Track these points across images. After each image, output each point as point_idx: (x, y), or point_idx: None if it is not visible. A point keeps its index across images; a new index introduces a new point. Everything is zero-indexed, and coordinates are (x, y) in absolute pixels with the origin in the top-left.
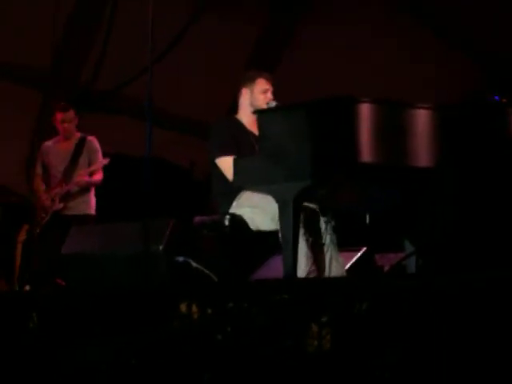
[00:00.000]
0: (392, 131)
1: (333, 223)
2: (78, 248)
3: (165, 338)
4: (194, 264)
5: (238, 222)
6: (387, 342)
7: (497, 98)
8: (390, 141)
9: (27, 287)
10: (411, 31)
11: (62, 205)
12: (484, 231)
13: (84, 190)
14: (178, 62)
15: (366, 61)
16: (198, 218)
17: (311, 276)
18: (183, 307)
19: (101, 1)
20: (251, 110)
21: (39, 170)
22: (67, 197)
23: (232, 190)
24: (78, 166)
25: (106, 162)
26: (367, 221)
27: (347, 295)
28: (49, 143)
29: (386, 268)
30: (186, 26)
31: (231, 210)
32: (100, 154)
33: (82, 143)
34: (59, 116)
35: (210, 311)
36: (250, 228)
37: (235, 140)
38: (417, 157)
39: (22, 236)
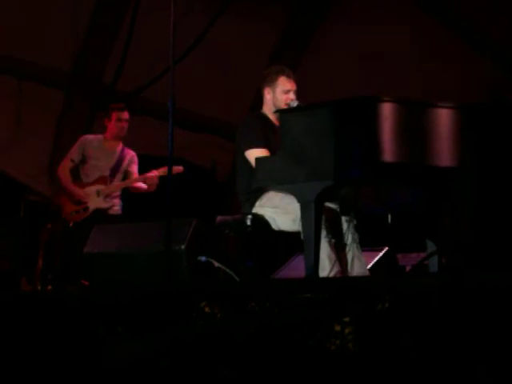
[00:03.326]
0: (414, 131)
1: (355, 222)
2: (100, 247)
3: (187, 337)
4: (216, 263)
5: (260, 222)
6: (409, 341)
7: None
8: (412, 140)
9: (50, 287)
10: (431, 33)
11: (111, 203)
12: (506, 231)
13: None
14: (199, 62)
15: (387, 64)
16: (220, 218)
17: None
18: (205, 307)
19: (122, 2)
20: (273, 109)
21: (74, 157)
22: (111, 196)
23: (255, 191)
24: (121, 169)
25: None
26: (389, 221)
27: (369, 295)
28: (91, 137)
29: (408, 268)
30: (207, 27)
31: (253, 210)
32: (137, 168)
33: (125, 152)
34: (115, 115)
35: (231, 311)
36: (271, 228)
37: (265, 134)
38: (439, 156)
39: (45, 235)
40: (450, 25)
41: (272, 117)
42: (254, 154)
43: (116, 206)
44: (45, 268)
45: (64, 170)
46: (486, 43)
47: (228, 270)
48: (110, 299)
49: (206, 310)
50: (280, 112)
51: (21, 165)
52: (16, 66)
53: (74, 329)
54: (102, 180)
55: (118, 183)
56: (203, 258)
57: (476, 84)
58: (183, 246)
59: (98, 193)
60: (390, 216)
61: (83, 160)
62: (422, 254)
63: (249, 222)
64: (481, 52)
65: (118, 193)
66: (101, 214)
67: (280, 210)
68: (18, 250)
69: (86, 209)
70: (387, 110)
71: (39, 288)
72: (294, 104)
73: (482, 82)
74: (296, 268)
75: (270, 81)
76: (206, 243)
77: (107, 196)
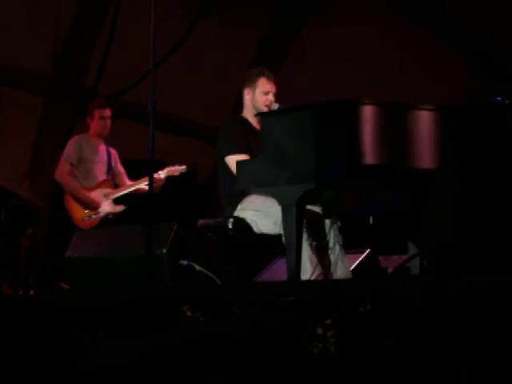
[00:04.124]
0: (395, 133)
1: (339, 224)
2: (81, 251)
3: (168, 341)
4: (198, 267)
5: (242, 225)
6: (391, 343)
7: (500, 99)
8: (393, 142)
9: (31, 292)
10: (415, 34)
11: (118, 208)
12: (487, 232)
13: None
14: (180, 65)
15: (368, 67)
16: (201, 222)
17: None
18: (187, 311)
19: (103, 5)
20: (253, 110)
21: (73, 159)
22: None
23: (237, 194)
24: (112, 169)
25: (177, 171)
26: (371, 223)
27: (351, 297)
28: (82, 137)
29: (390, 270)
30: (187, 31)
31: (235, 214)
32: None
33: (108, 150)
34: (97, 113)
35: (214, 315)
36: (253, 231)
37: (245, 138)
38: (420, 158)
39: (26, 240)
40: (431, 27)
41: (252, 120)
42: (234, 160)
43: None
44: (26, 272)
45: (66, 175)
46: (468, 45)
47: (210, 274)
48: (91, 304)
49: (188, 314)
50: (261, 115)
51: (1, 169)
52: None
53: (56, 333)
54: (106, 183)
55: (125, 186)
56: (185, 262)
57: (458, 86)
58: (164, 250)
59: (106, 197)
60: (371, 218)
61: (80, 161)
62: (404, 257)
63: (230, 226)
64: (463, 54)
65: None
66: (107, 220)
67: (261, 213)
68: None
69: (98, 214)
70: (368, 112)
71: (21, 293)
72: (275, 107)
73: (464, 84)
74: (278, 271)
75: (250, 81)
76: (187, 247)
77: (114, 200)
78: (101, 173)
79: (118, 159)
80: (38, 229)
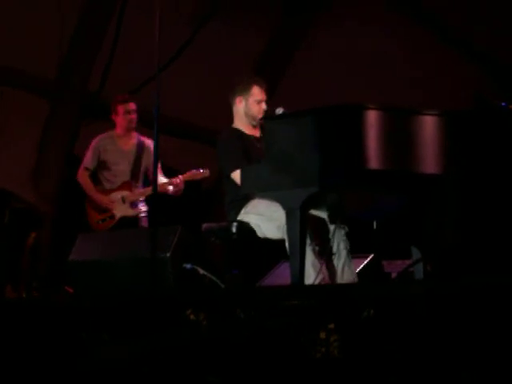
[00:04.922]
0: (399, 138)
1: (346, 230)
2: (85, 255)
3: (171, 344)
4: (201, 271)
5: (246, 229)
6: (394, 348)
7: (504, 104)
8: (396, 147)
9: (35, 294)
10: (417, 40)
11: (137, 211)
12: (491, 237)
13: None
14: (185, 69)
15: (374, 70)
16: (205, 225)
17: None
18: (190, 314)
19: (107, 9)
20: (245, 119)
21: (90, 165)
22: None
23: (240, 199)
24: (141, 169)
25: (199, 175)
26: (374, 227)
27: (354, 302)
28: (105, 139)
29: (394, 275)
30: (192, 35)
31: (239, 218)
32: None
33: (141, 145)
34: (121, 108)
35: (216, 318)
36: (257, 235)
37: (243, 150)
38: (424, 163)
39: (30, 242)
40: (435, 29)
41: (245, 128)
42: (238, 175)
43: (142, 213)
44: (30, 275)
45: (84, 177)
46: (472, 47)
47: (213, 278)
48: (95, 306)
49: (192, 317)
50: (265, 119)
51: (5, 172)
52: (0, 73)
53: (59, 336)
54: (126, 186)
55: (143, 190)
56: (188, 266)
57: (462, 88)
58: (168, 254)
59: (124, 199)
60: (375, 223)
61: (101, 165)
62: (408, 261)
63: (234, 230)
64: (466, 56)
65: (143, 197)
66: (127, 222)
67: (265, 218)
68: (3, 257)
69: (113, 217)
70: (372, 117)
71: (24, 295)
72: (279, 111)
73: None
74: (281, 275)
75: (243, 90)
76: (191, 251)
77: (133, 202)
78: (124, 174)
79: (150, 154)
80: (41, 231)
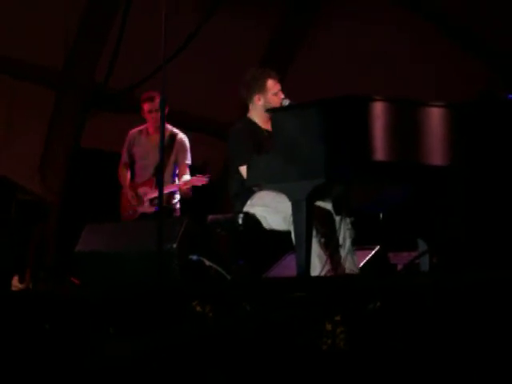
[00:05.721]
0: (405, 129)
1: (352, 219)
2: (91, 246)
3: (178, 336)
4: (208, 262)
5: (252, 220)
6: (400, 340)
7: (510, 96)
8: (403, 139)
9: (41, 286)
10: (424, 32)
11: (153, 208)
12: (497, 230)
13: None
14: (190, 61)
15: (379, 62)
16: (211, 217)
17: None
18: (197, 305)
19: (114, 1)
20: (266, 114)
21: (125, 159)
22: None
23: (246, 190)
24: (169, 164)
25: (199, 182)
26: (380, 219)
27: (361, 294)
28: (135, 133)
29: (400, 267)
30: (198, 26)
31: (244, 209)
32: (189, 155)
33: (172, 139)
34: (146, 106)
35: (223, 309)
36: (263, 227)
37: (254, 143)
38: (430, 155)
39: (37, 234)
40: (440, 24)
41: (260, 121)
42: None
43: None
44: (36, 266)
45: (119, 169)
46: (477, 42)
47: (219, 269)
48: (101, 299)
49: (198, 309)
50: (271, 111)
51: (12, 164)
52: (7, 65)
53: (64, 328)
54: (148, 182)
55: (152, 187)
56: (195, 257)
57: (469, 83)
58: (175, 245)
59: (144, 196)
60: (381, 214)
61: (131, 159)
62: (414, 253)
63: (240, 221)
64: (472, 51)
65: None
66: (147, 217)
67: (271, 209)
68: (10, 249)
69: (135, 212)
70: (378, 108)
71: (31, 286)
72: (286, 103)
73: (475, 81)
74: (287, 267)
75: (259, 87)
76: (197, 242)
77: (152, 199)
78: (148, 170)
79: (185, 146)
80: (48, 223)
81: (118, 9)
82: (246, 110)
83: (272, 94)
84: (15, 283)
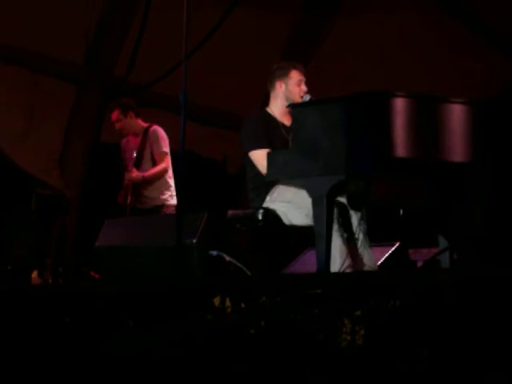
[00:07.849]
0: (427, 126)
1: (364, 212)
2: (111, 240)
3: (197, 331)
4: (228, 258)
5: (272, 216)
6: (420, 338)
7: None
8: (424, 135)
9: (60, 280)
10: (445, 27)
11: (130, 199)
12: None
13: (148, 183)
14: (211, 55)
15: (400, 57)
16: (231, 212)
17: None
18: (216, 301)
19: None
20: (286, 102)
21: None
22: (136, 192)
23: (264, 185)
24: (144, 161)
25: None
26: (401, 215)
27: (381, 290)
28: (124, 140)
29: (420, 263)
30: (220, 21)
31: (264, 205)
32: (162, 142)
33: (145, 134)
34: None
35: (243, 305)
36: (283, 222)
37: (267, 133)
38: (452, 152)
39: (56, 229)
40: (464, 19)
41: (278, 112)
42: (257, 155)
43: (151, 200)
44: (56, 261)
45: None
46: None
47: (239, 265)
48: (121, 293)
49: (217, 304)
50: (292, 106)
51: (32, 158)
52: (29, 59)
53: (84, 322)
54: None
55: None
56: (214, 252)
57: (490, 80)
58: (194, 240)
59: (129, 185)
60: (401, 211)
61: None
62: (434, 250)
63: (260, 217)
64: (496, 46)
65: (148, 186)
66: (136, 211)
67: (292, 205)
68: (29, 243)
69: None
70: (400, 104)
71: (50, 281)
72: (307, 98)
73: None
74: (307, 263)
75: (283, 74)
76: (217, 237)
77: (131, 192)
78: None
79: (155, 136)
80: (67, 218)
81: (140, 4)
82: (266, 104)
83: (295, 83)
84: (35, 277)
